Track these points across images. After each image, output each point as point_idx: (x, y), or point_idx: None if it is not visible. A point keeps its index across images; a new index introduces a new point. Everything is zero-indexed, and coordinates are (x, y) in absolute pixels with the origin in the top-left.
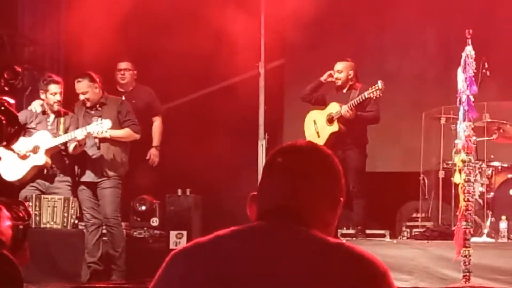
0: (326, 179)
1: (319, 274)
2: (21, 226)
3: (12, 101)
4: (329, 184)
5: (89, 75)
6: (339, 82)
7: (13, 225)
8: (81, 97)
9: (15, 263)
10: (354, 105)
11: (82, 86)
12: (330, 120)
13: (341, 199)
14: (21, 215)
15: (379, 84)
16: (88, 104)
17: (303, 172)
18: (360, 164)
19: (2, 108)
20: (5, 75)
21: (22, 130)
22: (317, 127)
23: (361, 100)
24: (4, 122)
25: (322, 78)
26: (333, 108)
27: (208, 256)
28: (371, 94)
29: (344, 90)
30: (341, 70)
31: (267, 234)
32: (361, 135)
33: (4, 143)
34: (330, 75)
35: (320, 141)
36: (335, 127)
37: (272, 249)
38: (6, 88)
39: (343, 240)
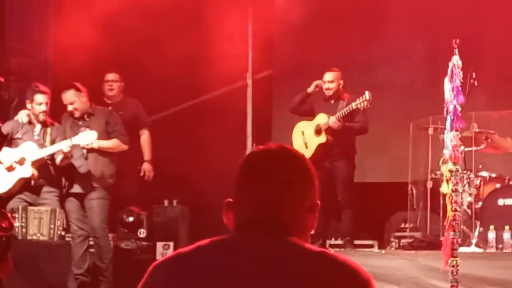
0: (302, 184)
1: (302, 283)
2: (4, 238)
3: None
4: (305, 188)
5: (75, 86)
6: (330, 93)
7: None
8: (69, 107)
9: None
10: (342, 116)
11: (69, 96)
12: (318, 131)
13: (318, 201)
14: (3, 226)
15: (367, 95)
16: (77, 114)
17: (278, 178)
18: (348, 175)
19: None
20: None
21: (5, 140)
22: (305, 138)
23: (349, 111)
24: None
25: (309, 90)
26: (321, 119)
27: (189, 267)
28: (359, 105)
29: (332, 101)
30: (332, 80)
31: (248, 244)
32: (349, 145)
33: None
34: (317, 86)
35: (308, 152)
36: (322, 138)
37: (254, 260)
38: None
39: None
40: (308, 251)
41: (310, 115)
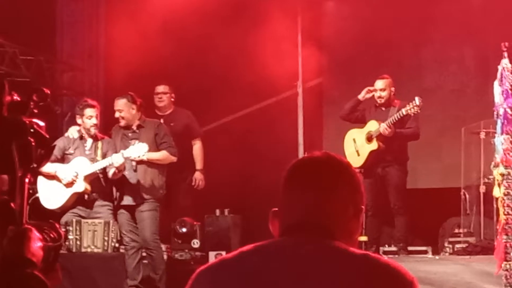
0: (346, 189)
1: (345, 286)
2: (48, 247)
3: (41, 123)
4: (349, 194)
5: (130, 95)
6: (382, 100)
7: (44, 246)
8: (116, 114)
9: (47, 284)
10: (392, 122)
11: (120, 104)
12: (369, 138)
13: (362, 207)
14: (52, 236)
15: (417, 100)
16: (122, 122)
17: (323, 184)
18: (400, 181)
19: (32, 130)
20: (34, 97)
21: (52, 152)
22: (357, 145)
23: (399, 117)
24: (33, 144)
25: (360, 96)
26: (372, 126)
27: (233, 272)
28: (409, 111)
29: (383, 108)
30: (383, 88)
31: (291, 249)
32: (401, 152)
33: (34, 165)
34: (368, 91)
35: (360, 160)
36: (374, 145)
37: (297, 264)
38: (35, 110)
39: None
40: (350, 254)
41: (361, 122)
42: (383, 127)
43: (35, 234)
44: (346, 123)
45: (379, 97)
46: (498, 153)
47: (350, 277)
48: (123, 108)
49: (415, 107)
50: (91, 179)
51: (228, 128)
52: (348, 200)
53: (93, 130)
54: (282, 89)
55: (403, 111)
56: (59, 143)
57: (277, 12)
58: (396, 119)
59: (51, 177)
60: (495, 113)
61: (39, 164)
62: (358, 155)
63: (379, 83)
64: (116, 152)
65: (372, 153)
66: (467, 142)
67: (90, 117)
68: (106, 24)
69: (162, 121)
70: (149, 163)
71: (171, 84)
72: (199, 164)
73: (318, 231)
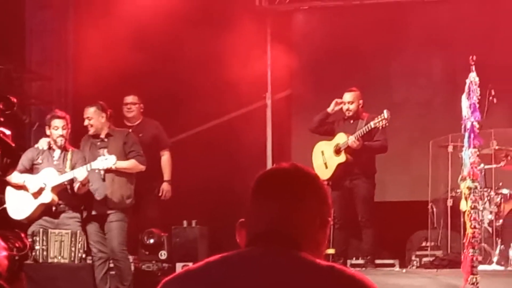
0: (313, 201)
1: None
2: (17, 257)
3: (8, 132)
4: (316, 205)
5: (100, 104)
6: (350, 113)
7: (9, 256)
8: (86, 122)
9: None
10: (361, 135)
11: (90, 112)
12: (337, 151)
13: (329, 218)
14: (17, 245)
15: (385, 113)
16: (91, 130)
17: (290, 195)
18: (368, 194)
19: None
20: (0, 106)
21: (18, 160)
22: (325, 157)
23: (367, 130)
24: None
25: (329, 109)
26: (340, 138)
27: (198, 282)
28: (377, 124)
29: (352, 121)
30: (351, 100)
31: (257, 259)
32: (369, 164)
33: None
34: (337, 104)
35: (328, 172)
36: (342, 157)
37: (263, 274)
38: (2, 119)
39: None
40: (316, 265)
41: (330, 134)
42: (351, 140)
43: (0, 243)
44: (315, 135)
45: (348, 109)
46: (465, 166)
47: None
48: (93, 116)
49: (383, 120)
50: (59, 190)
51: (197, 139)
52: (315, 211)
53: (59, 141)
54: (250, 100)
55: (372, 124)
56: (28, 154)
57: (246, 23)
58: (364, 132)
59: (20, 187)
60: (462, 126)
61: (5, 173)
62: (326, 167)
63: (347, 96)
64: (85, 163)
65: (340, 165)
66: (435, 155)
67: (56, 128)
68: (75, 33)
69: (130, 131)
70: (117, 172)
71: (139, 93)
72: (166, 175)
73: (285, 242)
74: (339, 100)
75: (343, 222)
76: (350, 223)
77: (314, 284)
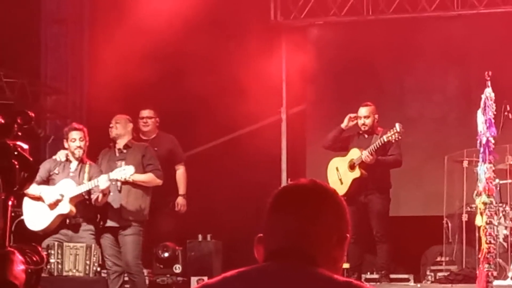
0: (331, 217)
1: None
2: (31, 270)
3: (25, 146)
4: (335, 222)
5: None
6: (366, 128)
7: (26, 269)
8: (112, 124)
9: None
10: (374, 149)
11: (119, 117)
12: (351, 166)
13: (347, 235)
14: (34, 259)
15: (397, 127)
16: (113, 133)
17: (308, 211)
18: (383, 209)
19: (16, 153)
20: (18, 120)
21: (36, 174)
22: (340, 174)
23: (380, 144)
24: (17, 167)
25: (343, 125)
26: (354, 154)
27: None
28: (390, 137)
29: (366, 135)
30: (367, 115)
31: (274, 275)
32: (384, 179)
33: (16, 187)
34: (351, 119)
35: (343, 188)
36: (356, 173)
37: None
38: (19, 133)
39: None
40: (333, 281)
41: (344, 150)
42: (365, 155)
43: (18, 257)
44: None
45: (363, 124)
46: (481, 182)
47: None
48: (121, 122)
49: (396, 134)
50: (77, 201)
51: (212, 153)
52: (333, 227)
53: (77, 153)
54: (266, 115)
55: (384, 138)
56: (46, 165)
57: (261, 37)
58: (378, 146)
59: (37, 198)
60: (478, 142)
61: (22, 187)
62: (341, 183)
63: (363, 110)
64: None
65: (355, 181)
66: (450, 171)
67: (74, 140)
68: (90, 47)
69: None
70: (134, 185)
71: (154, 107)
72: (182, 189)
73: (302, 258)
74: (353, 115)
75: (357, 237)
76: (365, 238)
77: None
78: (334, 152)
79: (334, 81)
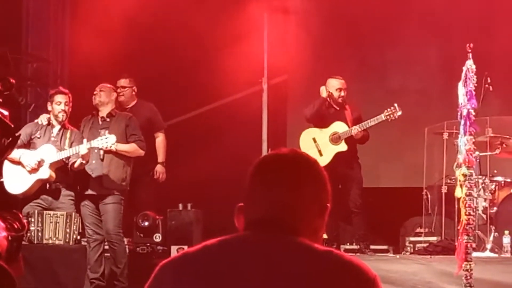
0: (312, 187)
1: (308, 283)
2: (11, 237)
3: (5, 112)
4: (315, 191)
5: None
6: (342, 100)
7: (7, 236)
8: (96, 91)
9: (11, 274)
10: (367, 126)
11: (103, 86)
12: (335, 139)
13: (328, 204)
14: (15, 226)
15: (396, 107)
16: (95, 100)
17: (289, 180)
18: (360, 180)
19: None
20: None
21: (17, 141)
22: (318, 145)
23: (376, 122)
24: None
25: (323, 95)
26: (339, 127)
27: (196, 266)
28: (388, 116)
29: (337, 108)
30: (345, 87)
31: (255, 244)
32: (356, 152)
33: None
34: (328, 91)
35: (324, 159)
36: (342, 146)
37: (260, 259)
38: (0, 100)
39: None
40: (314, 251)
41: (323, 122)
42: (355, 130)
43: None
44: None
45: (341, 96)
46: (461, 153)
47: (313, 273)
48: (105, 90)
49: (395, 113)
50: (57, 167)
51: (193, 123)
52: (314, 197)
53: (61, 116)
54: (247, 85)
55: (383, 116)
56: (27, 128)
57: (243, 8)
58: (373, 123)
59: (17, 162)
60: (458, 114)
61: (3, 154)
62: (321, 155)
63: (340, 82)
64: (82, 143)
65: (339, 153)
66: (430, 142)
67: (59, 103)
68: (71, 16)
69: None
70: (116, 154)
71: (136, 77)
72: (161, 157)
73: (282, 227)
74: (334, 85)
75: (332, 208)
76: (339, 208)
77: (312, 269)
78: (314, 125)
79: (315, 52)
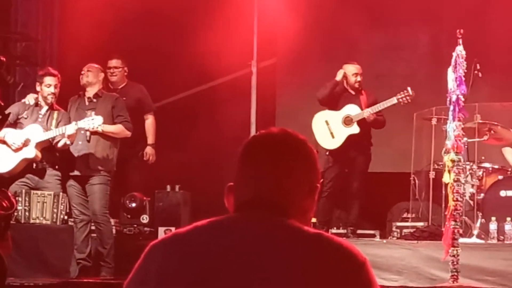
0: (302, 166)
1: (298, 264)
2: (3, 216)
3: None
4: (305, 171)
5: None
6: (358, 85)
7: None
8: (83, 72)
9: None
10: (379, 109)
11: (91, 66)
12: (348, 122)
13: (318, 185)
14: (4, 204)
15: (410, 90)
16: (83, 80)
17: (279, 160)
18: (366, 166)
19: None
20: None
21: (6, 120)
22: (331, 127)
23: (389, 104)
24: None
25: (338, 78)
26: (352, 110)
27: (185, 246)
28: (401, 100)
29: (353, 92)
30: (361, 72)
31: (245, 225)
32: (369, 137)
33: None
34: (344, 75)
35: (336, 142)
36: (355, 128)
37: (250, 240)
38: None
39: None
40: (304, 233)
41: (334, 105)
42: (367, 113)
43: None
44: (299, 103)
45: (357, 81)
46: (449, 139)
47: (302, 255)
48: (93, 70)
49: (408, 96)
50: (43, 147)
51: (181, 105)
52: (303, 177)
53: (50, 99)
54: (236, 67)
55: (395, 99)
56: (14, 108)
57: None
58: (385, 106)
59: (2, 141)
60: (447, 99)
61: None
62: (333, 137)
63: (357, 68)
64: (69, 124)
65: (350, 136)
66: (419, 128)
67: (48, 86)
68: None
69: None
70: (103, 135)
71: (125, 57)
72: (150, 139)
73: (272, 208)
74: (351, 70)
75: (331, 191)
76: (338, 193)
77: (301, 251)
78: (326, 107)
79: (305, 36)
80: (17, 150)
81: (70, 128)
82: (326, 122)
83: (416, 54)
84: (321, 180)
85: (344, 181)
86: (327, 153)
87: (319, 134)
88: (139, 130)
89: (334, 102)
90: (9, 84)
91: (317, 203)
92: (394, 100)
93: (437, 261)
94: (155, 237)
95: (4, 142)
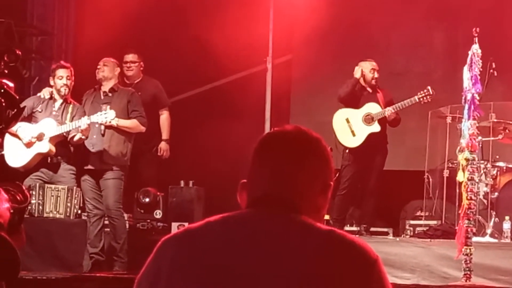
0: (315, 164)
1: (309, 261)
2: (14, 209)
3: (11, 84)
4: (319, 168)
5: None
6: (375, 82)
7: (10, 208)
8: (99, 66)
9: (13, 245)
10: (400, 108)
11: (107, 60)
12: (368, 120)
13: (331, 183)
14: (18, 198)
15: (430, 89)
16: (99, 75)
17: (291, 157)
18: (383, 164)
19: (2, 90)
20: (5, 58)
21: (21, 113)
22: (351, 125)
23: (410, 103)
24: (3, 104)
25: (357, 76)
26: (372, 108)
27: (198, 241)
28: (421, 99)
29: (370, 90)
30: (378, 69)
31: (257, 221)
32: (386, 136)
33: (2, 125)
34: (361, 72)
35: (357, 140)
36: (376, 127)
37: (262, 236)
38: (6, 71)
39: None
40: (316, 229)
41: (356, 103)
42: (389, 111)
43: (2, 195)
44: (313, 100)
45: (374, 78)
46: (464, 138)
47: (314, 252)
48: (109, 64)
49: (428, 96)
50: (57, 141)
51: (196, 100)
52: (317, 174)
53: (63, 91)
54: (251, 64)
55: (416, 98)
56: (29, 102)
57: None
58: (407, 105)
59: (14, 135)
60: (463, 98)
61: (7, 125)
62: (354, 135)
63: (373, 64)
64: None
65: (371, 134)
66: (433, 126)
67: (61, 78)
68: None
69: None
70: (117, 130)
71: (141, 52)
72: (165, 134)
73: (285, 205)
74: (367, 66)
75: (349, 190)
76: (355, 191)
77: (313, 248)
78: (347, 106)
79: (321, 33)
80: (29, 144)
81: (84, 122)
82: (347, 120)
83: (432, 53)
84: (336, 177)
85: (361, 179)
86: (347, 151)
87: (340, 132)
88: (154, 125)
89: (354, 100)
90: (24, 78)
91: (333, 200)
92: (415, 99)
93: (450, 259)
94: (168, 233)
95: (16, 136)
